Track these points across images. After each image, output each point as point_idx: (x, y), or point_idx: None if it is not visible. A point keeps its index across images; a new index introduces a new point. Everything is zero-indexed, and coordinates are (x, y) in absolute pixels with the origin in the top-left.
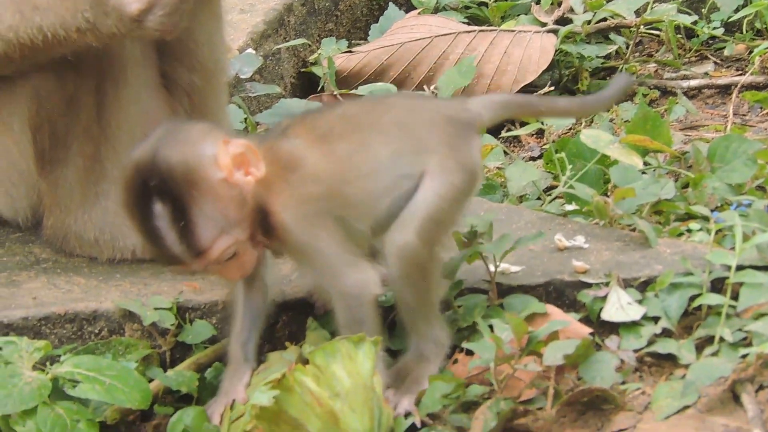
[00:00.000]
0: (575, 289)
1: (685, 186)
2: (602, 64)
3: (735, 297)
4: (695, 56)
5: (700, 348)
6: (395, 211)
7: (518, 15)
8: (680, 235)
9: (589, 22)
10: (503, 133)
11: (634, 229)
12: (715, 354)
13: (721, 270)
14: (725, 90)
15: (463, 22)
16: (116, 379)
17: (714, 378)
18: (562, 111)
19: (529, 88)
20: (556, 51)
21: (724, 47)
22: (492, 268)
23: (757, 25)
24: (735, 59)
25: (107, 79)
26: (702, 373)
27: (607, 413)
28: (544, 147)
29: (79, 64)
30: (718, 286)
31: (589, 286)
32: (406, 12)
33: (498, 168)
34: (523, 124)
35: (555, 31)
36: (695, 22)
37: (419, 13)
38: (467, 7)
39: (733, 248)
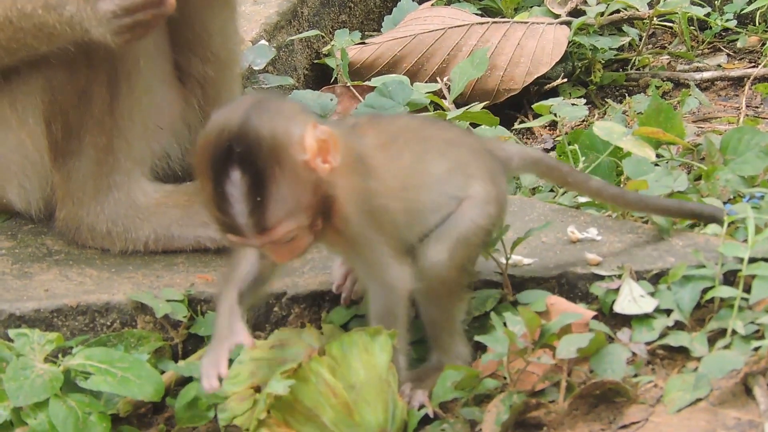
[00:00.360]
0: (588, 281)
1: (698, 178)
2: (615, 56)
3: (747, 289)
4: (708, 48)
5: (712, 341)
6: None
7: (531, 6)
8: (693, 227)
9: (602, 14)
10: (516, 125)
11: (646, 222)
12: (727, 347)
13: (734, 262)
14: (738, 82)
15: (477, 14)
16: (128, 371)
17: (726, 371)
18: (591, 191)
19: (542, 80)
20: (569, 43)
21: (737, 39)
22: (503, 260)
23: None
24: (748, 51)
25: (120, 71)
26: (714, 366)
27: (620, 406)
28: (557, 139)
29: (91, 55)
30: (730, 278)
31: (601, 278)
32: (419, 3)
33: None
34: (536, 116)
35: (568, 23)
36: (708, 14)
37: (432, 5)
38: None
39: (745, 241)
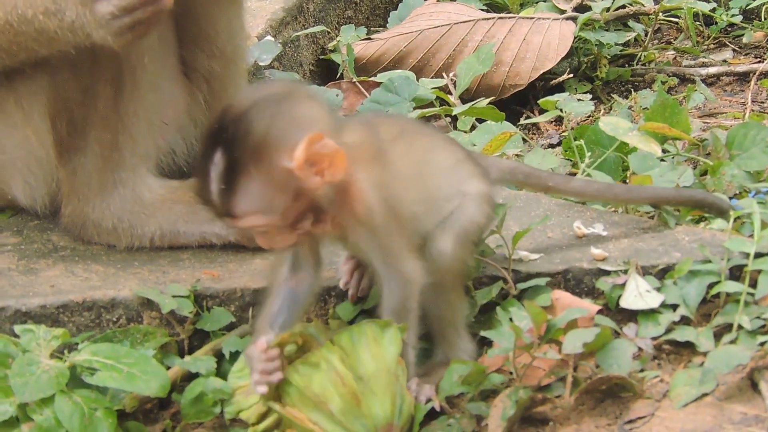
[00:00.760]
0: (594, 276)
1: (704, 173)
2: (621, 51)
3: (753, 284)
4: (714, 43)
5: (718, 336)
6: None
7: (537, 2)
8: (698, 222)
9: (608, 9)
10: (522, 121)
11: (652, 217)
12: (733, 342)
13: (740, 257)
14: (744, 77)
15: (482, 9)
16: (134, 366)
17: (732, 366)
18: (574, 192)
19: (548, 76)
20: (575, 38)
21: (743, 34)
22: (506, 255)
23: None
24: (753, 46)
25: (125, 67)
26: (720, 361)
27: (626, 401)
28: (563, 134)
29: (95, 52)
30: (736, 273)
31: (607, 273)
32: None
33: (517, 155)
34: (542, 112)
35: (574, 18)
36: (714, 10)
37: (438, 1)
38: None
39: (751, 236)
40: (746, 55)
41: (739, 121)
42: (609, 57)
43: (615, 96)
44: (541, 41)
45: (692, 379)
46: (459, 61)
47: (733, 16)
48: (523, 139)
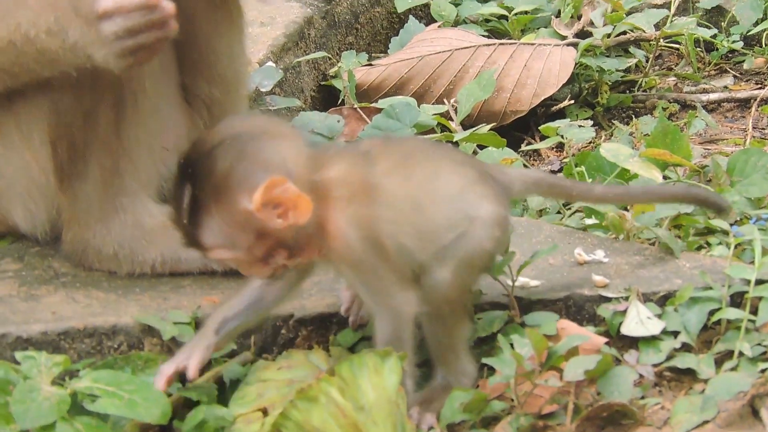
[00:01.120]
0: (595, 303)
1: None
2: (622, 77)
3: (754, 311)
4: (715, 70)
5: (719, 362)
6: (456, 254)
7: (538, 28)
8: (699, 249)
9: (608, 36)
10: (523, 147)
11: (653, 243)
12: (734, 369)
13: (741, 284)
14: (745, 104)
15: (483, 35)
16: (135, 393)
17: (733, 393)
18: (596, 198)
19: (549, 102)
20: (576, 64)
21: (744, 61)
22: (510, 282)
23: None
24: (754, 73)
25: (126, 92)
26: (721, 388)
27: (627, 428)
28: (564, 160)
29: (97, 77)
30: (737, 300)
31: (608, 300)
32: (426, 25)
33: None
34: (543, 138)
35: (575, 45)
36: (715, 36)
37: (439, 26)
38: (487, 20)
39: (752, 262)
40: (747, 81)
41: (740, 147)
42: (610, 83)
43: (616, 122)
44: (542, 67)
45: (693, 406)
46: (460, 87)
47: (734, 42)
48: (525, 165)
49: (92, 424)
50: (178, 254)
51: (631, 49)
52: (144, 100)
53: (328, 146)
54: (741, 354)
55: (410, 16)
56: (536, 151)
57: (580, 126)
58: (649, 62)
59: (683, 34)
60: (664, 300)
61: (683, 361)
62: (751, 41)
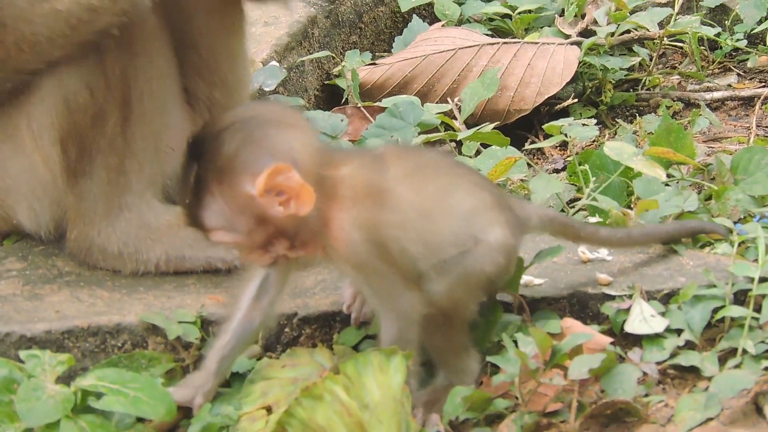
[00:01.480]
0: (598, 301)
1: (708, 198)
2: (626, 76)
3: (758, 309)
4: (718, 68)
5: (723, 360)
6: (454, 270)
7: (542, 27)
8: (703, 247)
9: (612, 34)
10: (527, 146)
11: None
12: (737, 366)
13: (744, 282)
14: (748, 102)
15: (487, 35)
16: (141, 391)
17: (737, 390)
18: (601, 241)
19: (553, 100)
20: (580, 63)
21: (748, 59)
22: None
23: None
24: (758, 71)
25: (133, 92)
26: (725, 386)
27: (630, 426)
28: (567, 159)
29: (108, 75)
30: (741, 298)
31: (612, 298)
32: (430, 24)
33: (522, 180)
34: (546, 136)
35: (578, 43)
36: (718, 34)
37: (443, 26)
38: (491, 20)
39: (755, 260)
40: (751, 79)
41: (743, 145)
42: (614, 82)
43: (620, 121)
44: (545, 66)
45: (697, 403)
46: (464, 86)
47: (737, 40)
48: (528, 164)
49: (96, 423)
50: (183, 253)
51: (635, 47)
52: (150, 100)
53: (340, 146)
54: (744, 351)
55: (414, 15)
56: (540, 149)
57: (583, 124)
58: (653, 61)
59: (687, 33)
60: (667, 298)
61: (687, 359)
62: (754, 39)
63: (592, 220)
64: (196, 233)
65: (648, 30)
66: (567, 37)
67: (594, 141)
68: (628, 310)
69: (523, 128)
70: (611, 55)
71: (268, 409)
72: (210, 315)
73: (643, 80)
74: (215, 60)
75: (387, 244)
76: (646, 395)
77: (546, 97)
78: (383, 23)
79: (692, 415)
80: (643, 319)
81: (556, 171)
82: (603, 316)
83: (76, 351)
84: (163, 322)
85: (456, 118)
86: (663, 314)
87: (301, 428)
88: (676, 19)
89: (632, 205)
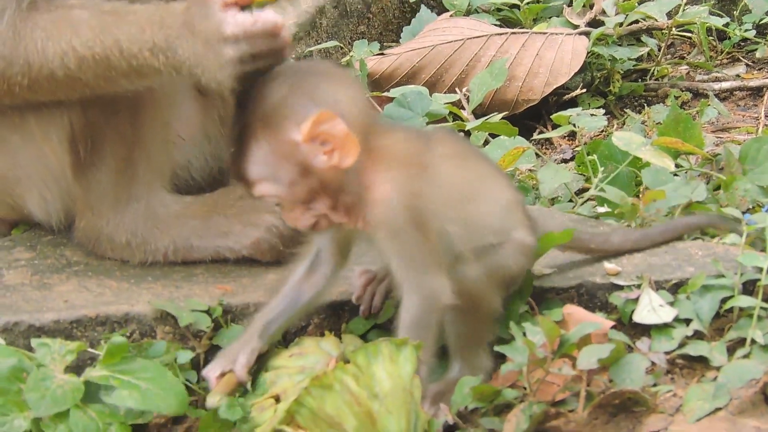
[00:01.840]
0: (607, 291)
1: (717, 188)
2: (634, 66)
3: (766, 299)
4: (727, 58)
5: (731, 350)
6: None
7: (550, 17)
8: (712, 237)
9: (621, 24)
10: (535, 136)
11: None
12: (746, 356)
13: (753, 272)
14: (757, 92)
15: (495, 25)
16: (152, 382)
17: (745, 380)
18: (614, 247)
19: (561, 91)
20: (588, 53)
21: (756, 49)
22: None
23: None
24: (766, 61)
25: None
26: (733, 375)
27: (639, 415)
28: (576, 149)
29: None
30: (749, 288)
31: (620, 288)
32: (438, 14)
33: (530, 170)
34: (555, 127)
35: (587, 34)
36: (727, 24)
37: (451, 16)
38: (499, 10)
39: (764, 250)
40: (759, 69)
41: (752, 135)
42: (622, 72)
43: (628, 111)
44: (554, 56)
45: (705, 393)
46: (472, 77)
47: (746, 31)
48: (536, 154)
49: (105, 412)
50: (191, 242)
51: (644, 37)
52: (159, 90)
53: (386, 118)
54: (753, 341)
55: (422, 6)
56: (548, 139)
57: (592, 115)
58: (662, 51)
59: (695, 23)
60: (676, 288)
61: (695, 349)
62: (763, 30)
63: (601, 209)
64: (203, 222)
65: (656, 20)
66: (575, 27)
67: (602, 131)
68: (636, 300)
69: (531, 118)
70: (620, 45)
71: (277, 399)
72: (227, 306)
73: (651, 70)
74: None
75: (425, 216)
76: (655, 385)
77: (554, 87)
78: (391, 13)
79: (700, 405)
80: (652, 308)
81: (565, 161)
82: (611, 305)
83: (84, 341)
84: (175, 309)
85: (464, 108)
86: (671, 304)
87: (311, 417)
88: (684, 9)
89: (640, 195)
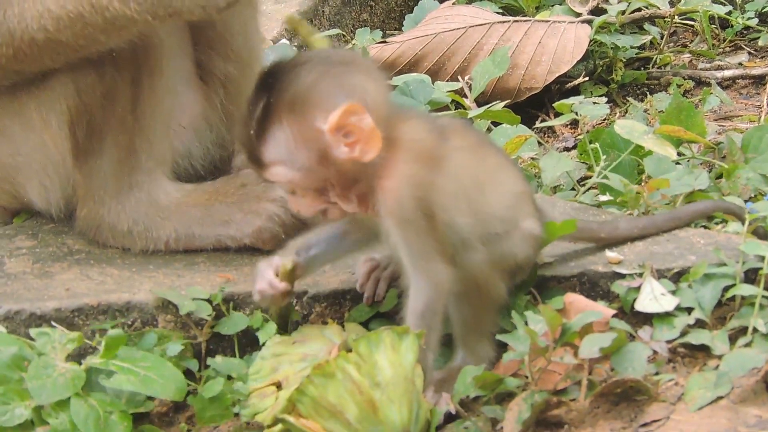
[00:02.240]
0: (609, 279)
1: (719, 176)
2: (636, 54)
3: None
4: (729, 46)
5: (733, 339)
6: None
7: (552, 5)
8: (717, 223)
9: (623, 12)
10: (537, 124)
11: None
12: (748, 345)
13: (755, 260)
14: (759, 80)
15: (498, 13)
16: (151, 370)
17: (747, 369)
18: (622, 235)
19: (563, 79)
20: (591, 41)
21: (759, 37)
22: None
23: None
24: None
25: (143, 71)
26: (735, 364)
27: (641, 404)
28: (578, 137)
29: (117, 55)
30: (751, 276)
31: (622, 276)
32: (441, 2)
33: (532, 159)
34: (557, 115)
35: (589, 21)
36: (729, 13)
37: (453, 3)
38: None
39: (766, 239)
40: (762, 58)
41: (754, 124)
42: (624, 60)
43: (630, 99)
44: (556, 44)
45: (707, 382)
46: (474, 65)
47: (749, 19)
48: (539, 143)
49: (106, 401)
50: (192, 231)
51: (646, 26)
52: (160, 78)
53: (404, 107)
54: (755, 330)
55: None
56: (550, 128)
57: (594, 103)
58: (664, 39)
59: (698, 11)
60: (678, 276)
61: (697, 338)
62: (766, 18)
63: (603, 198)
64: (205, 211)
65: (659, 8)
66: (578, 15)
67: (605, 119)
68: (638, 289)
69: (533, 106)
70: (622, 33)
71: (278, 386)
72: (224, 294)
73: (653, 58)
74: (230, 34)
75: (435, 210)
76: (656, 374)
77: (557, 75)
78: (394, 1)
79: (702, 394)
80: (654, 297)
81: (567, 149)
82: (613, 294)
83: (86, 329)
84: (176, 297)
85: (467, 97)
86: (673, 293)
87: (312, 406)
88: None
89: (643, 184)
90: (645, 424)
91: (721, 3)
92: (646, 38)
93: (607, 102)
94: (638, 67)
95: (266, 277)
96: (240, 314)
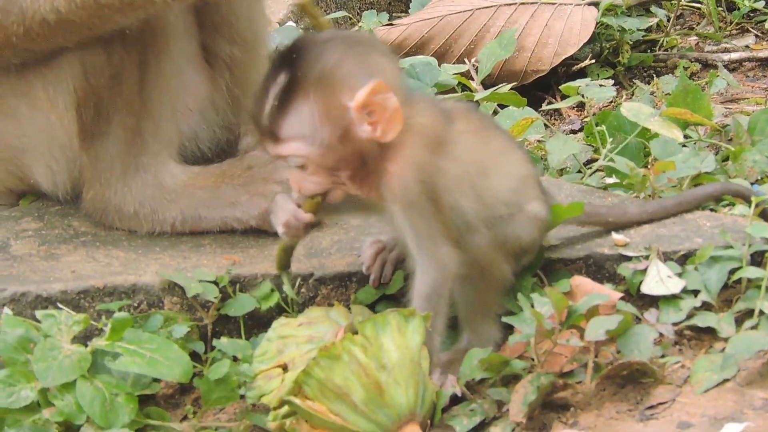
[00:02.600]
0: (615, 262)
1: (726, 159)
2: (643, 37)
3: None
4: (736, 29)
5: (739, 321)
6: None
7: None
8: (724, 206)
9: None
10: (544, 106)
11: None
12: (754, 327)
13: (761, 243)
14: (766, 63)
15: None
16: (157, 352)
17: (753, 351)
18: (632, 218)
19: (570, 61)
20: (597, 24)
21: (765, 20)
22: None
23: None
24: None
25: (150, 53)
26: (741, 347)
27: (647, 387)
28: (584, 120)
29: (125, 37)
30: (758, 259)
31: (628, 259)
32: None
33: (539, 141)
34: (563, 97)
35: (596, 4)
36: None
37: None
38: None
39: None
40: None
41: (761, 106)
42: (631, 42)
43: (637, 81)
44: (563, 27)
45: (713, 364)
46: (481, 47)
47: (755, 1)
48: (545, 125)
49: (112, 383)
50: (198, 213)
51: (653, 8)
52: (167, 60)
53: (413, 91)
54: (761, 312)
55: None
56: (557, 110)
57: (600, 85)
58: (671, 22)
59: None
60: (684, 259)
61: (703, 320)
62: None
63: (609, 180)
64: (211, 193)
65: None
66: None
67: (611, 102)
68: (644, 271)
69: (540, 89)
70: (629, 15)
71: (284, 368)
72: (231, 275)
73: (660, 41)
74: (235, 16)
75: (439, 192)
76: (663, 356)
77: (563, 57)
78: None
79: (708, 376)
80: (660, 280)
81: (573, 132)
82: (619, 276)
83: (91, 311)
84: (183, 279)
85: (473, 79)
86: (680, 275)
87: (318, 388)
88: None
89: (649, 166)
90: (651, 407)
91: None
92: (653, 21)
93: (614, 84)
94: (645, 50)
95: (289, 208)
96: (246, 296)
